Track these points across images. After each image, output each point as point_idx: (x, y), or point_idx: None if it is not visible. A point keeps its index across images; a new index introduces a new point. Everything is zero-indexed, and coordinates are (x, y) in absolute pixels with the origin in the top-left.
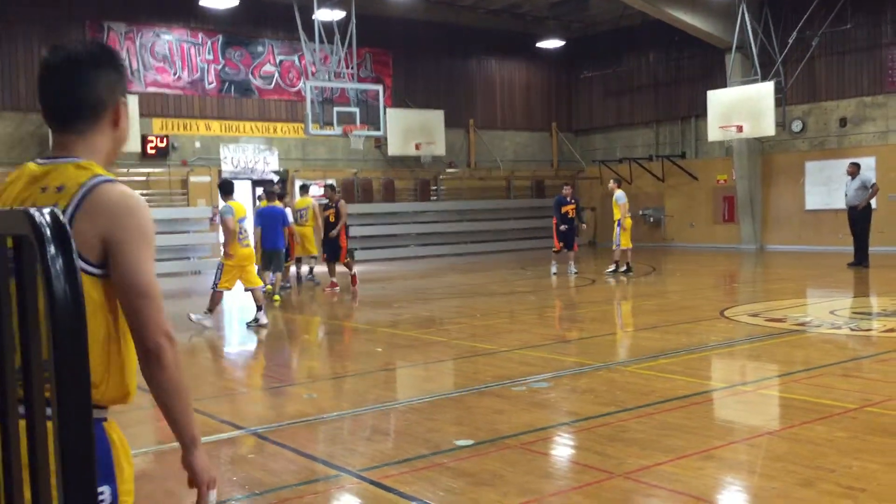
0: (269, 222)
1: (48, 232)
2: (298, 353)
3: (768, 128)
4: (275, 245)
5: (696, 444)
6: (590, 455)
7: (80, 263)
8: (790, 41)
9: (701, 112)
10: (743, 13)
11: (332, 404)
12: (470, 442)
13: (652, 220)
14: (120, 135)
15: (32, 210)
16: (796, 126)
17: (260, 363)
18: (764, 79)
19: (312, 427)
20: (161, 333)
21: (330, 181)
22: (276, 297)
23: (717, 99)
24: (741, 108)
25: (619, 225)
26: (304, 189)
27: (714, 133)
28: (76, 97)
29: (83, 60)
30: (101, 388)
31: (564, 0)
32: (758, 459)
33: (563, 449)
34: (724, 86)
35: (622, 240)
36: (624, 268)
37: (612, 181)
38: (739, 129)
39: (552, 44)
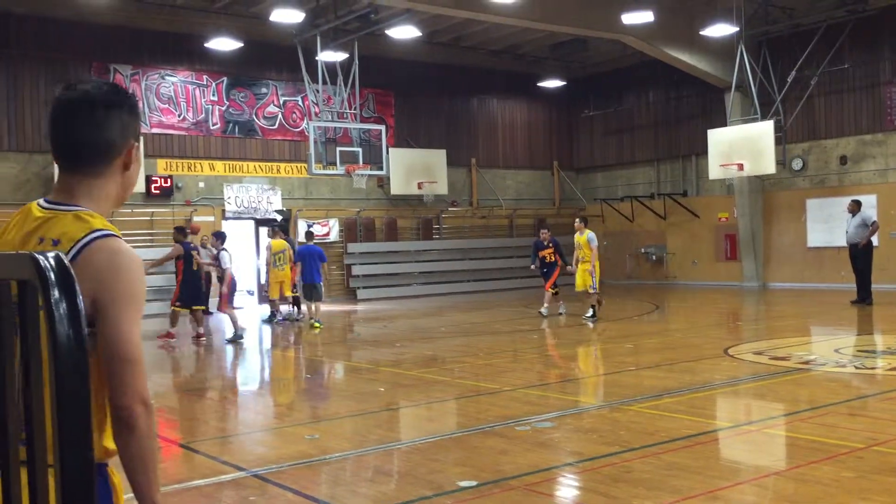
0: (307, 259)
1: (52, 276)
2: (300, 393)
3: (769, 166)
4: (313, 279)
5: (702, 485)
6: (595, 496)
7: None
8: (789, 80)
9: (702, 150)
10: (742, 53)
11: (334, 445)
12: (473, 483)
13: (654, 257)
14: (129, 179)
15: (37, 254)
16: (797, 164)
17: (261, 403)
18: (764, 117)
19: (314, 468)
20: (138, 400)
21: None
22: (317, 325)
23: (717, 137)
24: (741, 146)
25: (592, 267)
26: (277, 231)
27: (715, 171)
28: (88, 139)
29: (97, 100)
30: (97, 436)
31: (564, 41)
32: (765, 500)
33: (567, 490)
34: (725, 124)
35: (596, 282)
36: (591, 312)
37: (577, 220)
38: (740, 167)
39: (553, 83)
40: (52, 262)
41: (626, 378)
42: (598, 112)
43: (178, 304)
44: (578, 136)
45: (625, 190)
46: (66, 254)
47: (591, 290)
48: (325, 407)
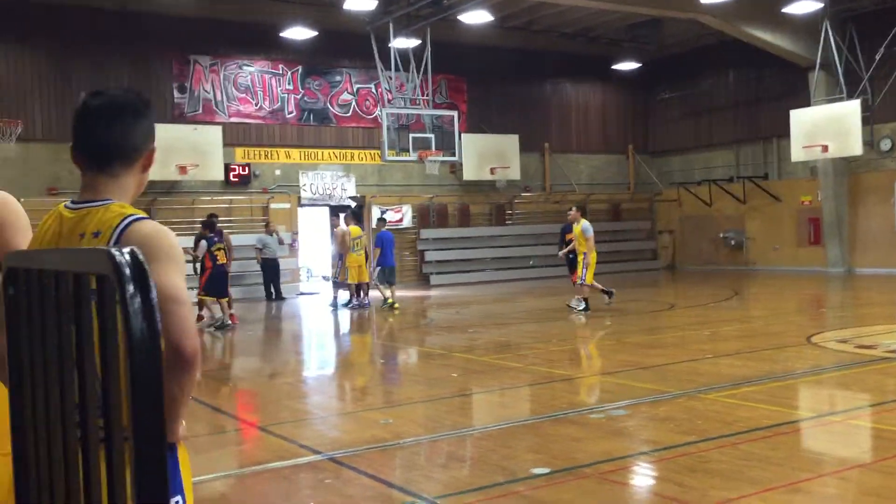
0: (386, 243)
1: (127, 271)
2: (374, 378)
3: (855, 147)
4: (390, 262)
5: (782, 477)
6: (669, 486)
7: None
8: (877, 58)
9: (783, 132)
10: (826, 30)
11: (407, 430)
12: (546, 470)
13: (733, 242)
14: (146, 177)
15: (114, 250)
16: (885, 144)
17: (336, 387)
18: (850, 97)
19: (388, 453)
20: (194, 336)
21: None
22: (396, 306)
23: (800, 118)
24: (826, 127)
25: (584, 259)
26: (350, 218)
27: (798, 153)
28: (117, 143)
29: (125, 108)
30: None
31: (639, 22)
32: (848, 493)
33: (641, 479)
34: (808, 104)
35: (588, 275)
36: (582, 304)
37: (573, 208)
38: (825, 148)
39: (628, 66)
40: (128, 257)
41: (704, 366)
42: (675, 94)
43: (203, 293)
44: (654, 118)
45: (702, 173)
46: (111, 239)
47: (579, 282)
48: (399, 392)
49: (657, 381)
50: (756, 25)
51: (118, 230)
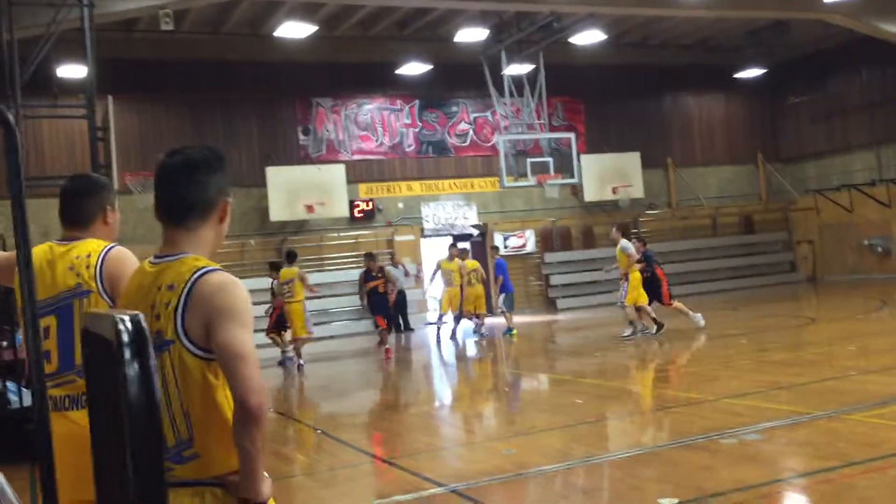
0: (505, 270)
1: (125, 337)
2: (496, 406)
3: None
4: (510, 288)
5: None
6: None
7: (194, 350)
8: None
9: None
10: None
11: (530, 460)
12: (674, 501)
13: (880, 249)
14: (223, 229)
15: (118, 315)
16: None
17: (458, 416)
18: None
19: (511, 484)
20: (252, 390)
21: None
22: (515, 332)
23: None
24: None
25: (626, 279)
26: (291, 258)
27: None
28: (191, 198)
29: (199, 164)
30: (227, 461)
31: (761, 27)
32: None
33: None
34: None
35: (629, 297)
36: (646, 327)
37: (614, 229)
38: None
39: (751, 73)
40: (129, 323)
41: (848, 384)
42: (805, 98)
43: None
44: (783, 124)
45: (840, 178)
46: (183, 291)
47: (619, 304)
48: (522, 420)
49: (795, 402)
50: (886, 20)
51: (190, 283)
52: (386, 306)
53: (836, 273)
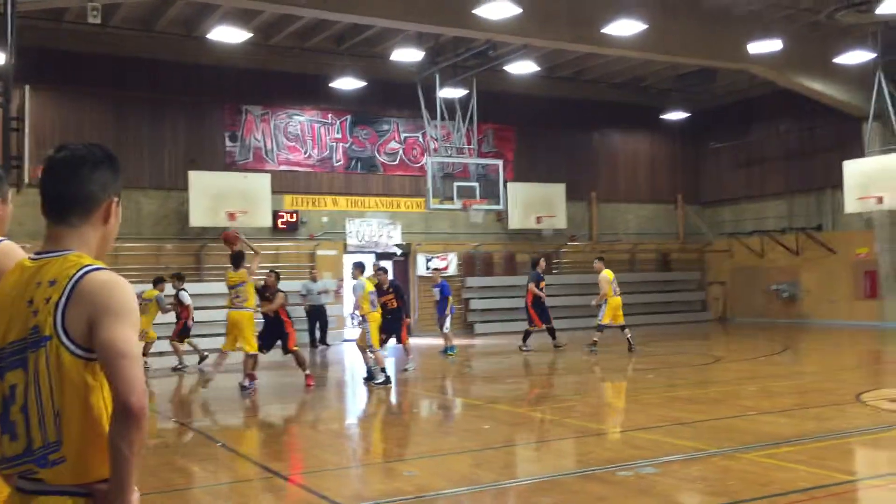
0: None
1: None
2: (404, 428)
3: None
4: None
5: None
6: None
7: (73, 348)
8: None
9: (837, 183)
10: (880, 80)
11: (431, 483)
12: None
13: (786, 295)
14: (109, 230)
15: None
16: None
17: (363, 435)
18: None
19: None
20: (134, 391)
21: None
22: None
23: (854, 169)
24: (881, 178)
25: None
26: (238, 260)
27: (852, 205)
28: (71, 193)
29: (83, 160)
30: (96, 468)
31: (690, 72)
32: None
33: None
34: (862, 155)
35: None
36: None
37: (596, 260)
38: (879, 200)
39: (677, 115)
40: None
41: (745, 423)
42: (726, 144)
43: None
44: (704, 168)
45: (754, 224)
46: (65, 287)
47: (597, 324)
48: (429, 443)
49: (693, 438)
50: (808, 76)
51: (73, 279)
52: (399, 324)
53: (745, 315)
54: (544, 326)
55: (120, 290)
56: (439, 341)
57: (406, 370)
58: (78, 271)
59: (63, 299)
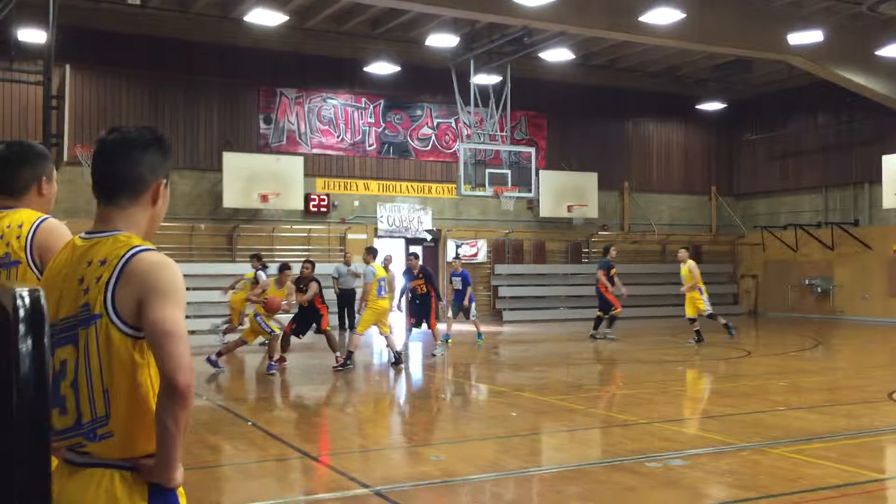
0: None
1: (22, 312)
2: (430, 413)
3: None
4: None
5: None
6: None
7: (122, 326)
8: None
9: (875, 177)
10: None
11: (457, 468)
12: None
13: (819, 290)
14: (157, 211)
15: (18, 288)
16: None
17: (391, 419)
18: None
19: (435, 491)
20: (181, 369)
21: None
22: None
23: (893, 164)
24: None
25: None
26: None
27: (890, 200)
28: (122, 175)
29: (133, 142)
30: (142, 443)
31: (727, 62)
32: None
33: None
34: None
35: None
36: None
37: (682, 250)
38: None
39: (713, 106)
40: (27, 298)
41: (775, 418)
42: (762, 136)
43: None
44: (739, 160)
45: (788, 217)
46: (115, 266)
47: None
48: (454, 428)
49: (722, 432)
50: (848, 68)
51: (124, 259)
52: (427, 309)
53: (776, 309)
54: (609, 313)
55: (168, 271)
56: (464, 327)
57: (434, 355)
58: (128, 252)
59: (113, 279)
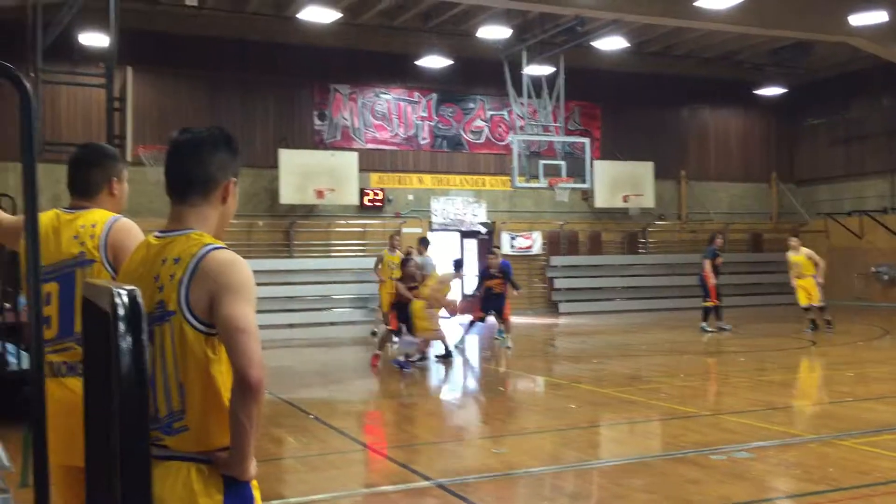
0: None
1: (121, 311)
2: (490, 405)
3: None
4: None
5: None
6: None
7: (195, 323)
8: None
9: None
10: None
11: (519, 461)
12: None
13: (887, 278)
14: (227, 210)
15: (115, 288)
16: None
17: (451, 412)
18: None
19: (498, 483)
20: (253, 364)
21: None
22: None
23: None
24: None
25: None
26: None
27: None
28: (192, 175)
29: (203, 142)
30: (217, 437)
31: (785, 46)
32: None
33: None
34: None
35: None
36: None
37: (793, 238)
38: None
39: (772, 91)
40: (126, 297)
41: (843, 410)
42: (823, 120)
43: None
44: (800, 145)
45: (853, 204)
46: (189, 265)
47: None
48: (514, 421)
49: (787, 424)
50: None
51: (197, 258)
52: (501, 302)
53: (841, 298)
54: (704, 303)
55: (240, 268)
56: (528, 320)
57: (508, 348)
58: (201, 250)
59: (187, 277)
